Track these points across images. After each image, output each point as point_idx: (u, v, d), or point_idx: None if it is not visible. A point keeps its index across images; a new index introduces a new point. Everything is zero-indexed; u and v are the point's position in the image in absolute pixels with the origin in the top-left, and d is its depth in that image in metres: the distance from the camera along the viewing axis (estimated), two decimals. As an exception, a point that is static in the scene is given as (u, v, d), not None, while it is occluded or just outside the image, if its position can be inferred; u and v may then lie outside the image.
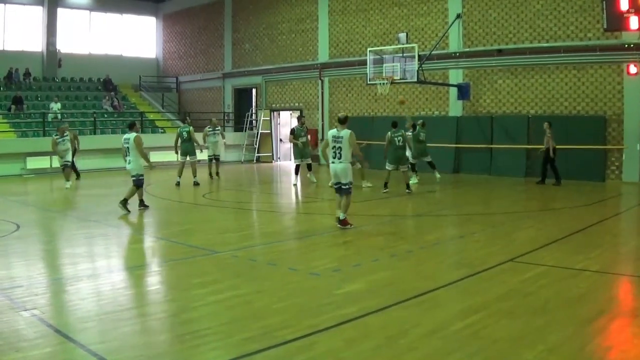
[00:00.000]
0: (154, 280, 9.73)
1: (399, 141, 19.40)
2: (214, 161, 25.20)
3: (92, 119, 33.13)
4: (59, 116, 32.67)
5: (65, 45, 39.89)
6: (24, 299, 8.22)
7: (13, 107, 32.57)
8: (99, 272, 10.18)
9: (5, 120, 31.43)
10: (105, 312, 7.66)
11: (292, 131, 22.65)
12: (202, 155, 24.59)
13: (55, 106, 33.16)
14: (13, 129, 30.99)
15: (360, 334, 6.73)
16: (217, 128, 25.43)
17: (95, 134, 31.97)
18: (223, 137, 26.00)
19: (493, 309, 7.57)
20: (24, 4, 38.04)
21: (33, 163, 28.54)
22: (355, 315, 7.31)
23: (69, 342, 6.53)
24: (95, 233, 13.75)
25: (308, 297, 8.21)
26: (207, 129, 25.27)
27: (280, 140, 36.08)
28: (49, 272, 10.29)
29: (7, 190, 20.56)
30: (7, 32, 37.54)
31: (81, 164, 28.63)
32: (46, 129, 30.84)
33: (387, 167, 19.76)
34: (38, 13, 38.70)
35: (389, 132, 19.55)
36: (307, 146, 22.76)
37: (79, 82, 39.16)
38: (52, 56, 39.06)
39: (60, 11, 39.48)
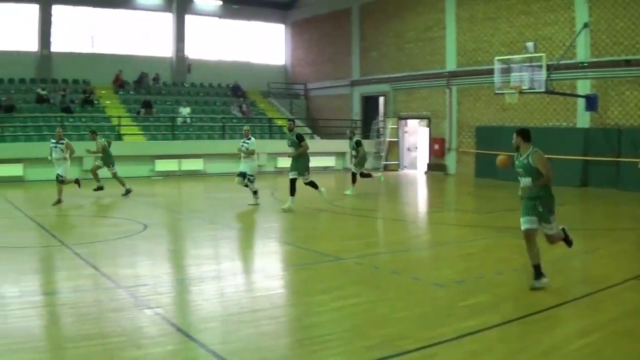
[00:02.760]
0: (278, 284, 9.76)
1: None
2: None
3: (221, 124, 33.88)
4: (188, 120, 33.59)
5: (195, 51, 41.13)
6: (148, 298, 8.42)
7: (142, 110, 33.72)
8: (223, 274, 10.32)
9: (135, 123, 32.60)
10: (227, 314, 7.73)
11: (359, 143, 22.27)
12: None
13: (185, 110, 34.16)
14: (142, 132, 32.09)
15: (480, 348, 6.53)
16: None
17: (224, 138, 32.66)
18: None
19: (614, 328, 7.17)
20: (153, 11, 39.50)
21: (161, 165, 29.49)
22: (477, 328, 7.08)
23: (191, 342, 6.62)
24: (221, 235, 13.99)
25: (430, 307, 8.02)
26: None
27: (408, 149, 35.83)
28: (173, 272, 10.53)
29: (136, 192, 21.20)
30: (137, 38, 39.01)
31: (211, 167, 29.35)
32: (175, 132, 31.81)
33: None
34: (168, 19, 40.10)
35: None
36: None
37: (208, 88, 40.24)
38: (181, 62, 40.32)
39: (190, 18, 40.76)
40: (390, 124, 35.54)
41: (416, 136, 35.89)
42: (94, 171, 21.57)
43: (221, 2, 40.53)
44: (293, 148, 17.51)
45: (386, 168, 35.24)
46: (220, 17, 41.91)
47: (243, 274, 10.39)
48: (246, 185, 18.42)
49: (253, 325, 7.29)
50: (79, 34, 37.29)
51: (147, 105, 34.10)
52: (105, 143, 21.44)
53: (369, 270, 10.41)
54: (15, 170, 26.06)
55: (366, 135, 37.32)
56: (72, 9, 36.80)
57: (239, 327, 7.15)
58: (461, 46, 31.64)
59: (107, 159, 21.41)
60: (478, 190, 25.24)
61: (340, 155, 35.38)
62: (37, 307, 8.04)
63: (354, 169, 22.30)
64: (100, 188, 21.03)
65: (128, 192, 21.03)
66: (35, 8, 35.53)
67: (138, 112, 33.69)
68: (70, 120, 30.96)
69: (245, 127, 19.23)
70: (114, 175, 21.46)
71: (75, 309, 7.82)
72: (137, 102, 34.80)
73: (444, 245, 12.83)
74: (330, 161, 34.37)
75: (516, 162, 9.24)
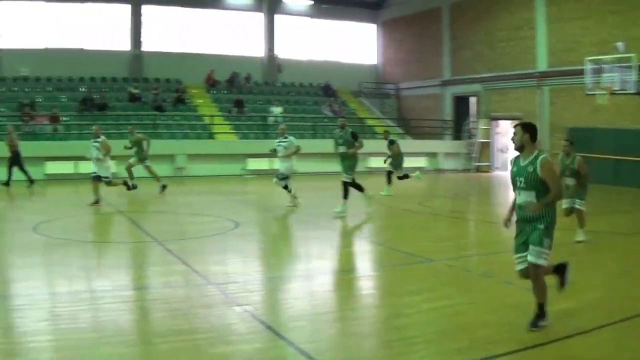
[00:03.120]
0: (368, 284, 9.69)
1: None
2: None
3: (312, 124, 34.02)
4: (279, 119, 33.84)
5: (285, 51, 41.46)
6: (238, 295, 8.46)
7: (234, 109, 34.13)
8: (313, 273, 10.31)
9: (227, 122, 33.04)
10: (316, 313, 7.69)
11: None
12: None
13: (276, 110, 34.46)
14: (235, 131, 32.50)
15: (564, 356, 6.33)
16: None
17: (315, 138, 32.79)
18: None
19: None
20: (245, 10, 39.98)
21: (253, 164, 29.83)
22: (565, 334, 6.85)
23: (279, 339, 6.60)
24: (311, 234, 13.99)
25: (520, 312, 7.76)
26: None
27: (500, 150, 35.24)
28: (264, 270, 10.59)
29: (228, 190, 21.50)
30: (228, 37, 39.56)
31: (302, 166, 29.40)
32: (266, 131, 32.11)
33: None
34: (259, 19, 40.52)
35: None
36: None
37: (299, 87, 40.52)
38: (272, 61, 40.69)
39: (281, 18, 41.12)
40: (482, 125, 35.04)
41: (508, 137, 35.24)
42: (128, 169, 21.54)
43: (311, 2, 40.76)
44: (345, 147, 16.57)
45: (478, 169, 34.78)
46: (310, 16, 42.12)
47: (333, 274, 10.32)
48: (285, 187, 17.92)
49: (342, 324, 7.24)
50: (170, 33, 38.10)
51: (239, 104, 34.52)
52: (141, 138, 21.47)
53: (459, 272, 10.22)
54: (107, 166, 26.52)
55: (457, 136, 36.93)
56: (163, 9, 37.65)
57: (327, 326, 7.11)
58: (552, 46, 30.93)
59: (141, 155, 21.41)
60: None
61: (432, 155, 35.11)
62: (128, 301, 8.19)
63: (390, 169, 21.85)
64: (133, 187, 20.59)
65: (164, 188, 20.83)
66: (127, 8, 36.51)
67: (230, 111, 34.12)
68: (163, 118, 31.60)
69: (281, 126, 18.91)
70: (149, 170, 21.47)
71: (165, 305, 7.92)
72: (229, 101, 35.28)
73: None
74: (421, 162, 34.04)
75: (514, 169, 7.23)
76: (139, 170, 21.55)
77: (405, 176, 22.33)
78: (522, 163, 7.09)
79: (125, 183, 19.74)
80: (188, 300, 8.20)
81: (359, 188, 16.63)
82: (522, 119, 32.06)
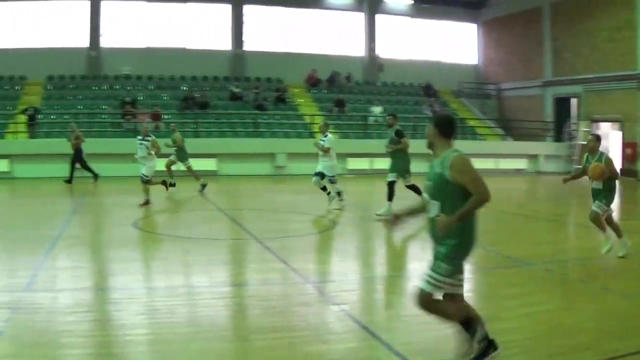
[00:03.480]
0: (465, 287, 9.38)
1: None
2: None
3: (413, 124, 33.83)
4: (380, 119, 33.74)
5: (386, 50, 41.27)
6: (335, 294, 8.51)
7: (335, 109, 34.22)
8: (411, 273, 10.18)
9: (328, 122, 33.06)
10: (412, 314, 7.52)
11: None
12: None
13: (376, 110, 34.38)
14: (335, 130, 32.49)
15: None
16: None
17: (415, 138, 32.54)
18: None
19: None
20: (345, 10, 40.01)
21: (353, 164, 29.89)
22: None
23: (374, 340, 6.57)
24: (410, 235, 13.84)
25: (616, 319, 7.51)
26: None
27: (601, 153, 34.18)
28: (361, 270, 10.56)
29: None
30: (329, 37, 39.69)
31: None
32: (367, 131, 32.08)
33: None
34: (359, 19, 40.53)
35: None
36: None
37: (400, 87, 40.29)
38: (373, 61, 40.62)
39: (382, 17, 40.97)
40: (583, 127, 34.08)
41: (608, 140, 34.21)
42: (168, 167, 21.50)
43: (412, 1, 40.49)
44: (391, 146, 15.78)
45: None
46: (410, 16, 41.83)
47: (431, 275, 10.19)
48: (324, 188, 17.33)
49: (437, 327, 7.12)
50: (271, 33, 38.47)
51: (340, 104, 34.61)
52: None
53: (557, 277, 9.96)
54: (209, 164, 27.20)
55: (558, 138, 36.05)
56: (264, 8, 38.07)
57: (423, 328, 7.02)
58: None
59: (182, 154, 21.46)
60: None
61: (533, 157, 34.37)
62: (225, 297, 8.33)
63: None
64: (172, 184, 20.27)
65: (204, 187, 20.70)
66: (227, 8, 37.15)
67: (330, 111, 34.24)
68: (264, 117, 31.99)
69: (322, 123, 18.36)
70: (189, 170, 21.45)
71: (262, 302, 8.00)
72: (329, 100, 35.41)
73: (638, 255, 11.99)
74: (521, 163, 33.38)
75: (428, 173, 5.89)
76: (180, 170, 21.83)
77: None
78: (433, 165, 5.79)
79: (164, 182, 19.32)
80: (285, 298, 8.28)
81: (417, 191, 15.31)
82: (622, 121, 31.17)
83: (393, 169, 15.69)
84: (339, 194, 17.08)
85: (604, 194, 10.95)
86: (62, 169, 24.09)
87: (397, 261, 11.15)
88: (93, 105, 31.52)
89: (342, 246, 12.46)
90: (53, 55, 33.07)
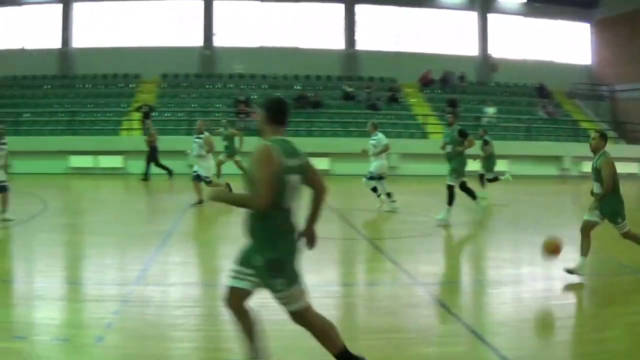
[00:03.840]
0: (575, 293, 9.35)
1: None
2: None
3: (527, 125, 33.27)
4: (493, 120, 33.35)
5: (500, 50, 40.70)
6: (445, 296, 8.58)
7: (449, 109, 33.93)
8: (522, 278, 10.16)
9: (440, 122, 32.79)
10: (521, 319, 7.59)
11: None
12: None
13: (490, 110, 33.98)
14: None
15: None
16: None
17: (529, 140, 32.07)
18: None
19: None
20: (457, 9, 39.74)
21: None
22: None
23: (482, 344, 6.60)
24: (522, 239, 13.64)
25: None
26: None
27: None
28: (472, 273, 10.60)
29: (442, 191, 21.43)
30: (442, 36, 39.45)
31: (516, 169, 28.63)
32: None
33: None
34: (472, 18, 40.08)
35: None
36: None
37: (514, 88, 39.59)
38: (486, 61, 40.14)
39: (494, 16, 40.41)
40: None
41: None
42: (219, 165, 20.66)
43: (524, 0, 39.85)
44: (451, 146, 14.89)
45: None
46: (523, 15, 41.09)
47: (542, 280, 10.06)
48: (374, 189, 16.91)
49: (545, 333, 7.15)
50: (383, 32, 38.58)
51: (453, 104, 34.30)
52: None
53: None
54: (322, 163, 27.55)
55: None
56: (376, 8, 38.20)
57: (531, 333, 7.05)
58: None
59: (231, 150, 21.11)
60: None
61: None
62: (334, 297, 8.51)
63: (481, 171, 20.28)
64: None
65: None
66: (340, 7, 37.52)
67: (443, 111, 34.02)
68: (378, 117, 32.03)
69: (370, 122, 17.93)
70: (237, 165, 20.86)
71: (370, 302, 8.17)
72: (442, 100, 35.12)
73: None
74: (634, 168, 32.28)
75: None
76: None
77: (495, 179, 20.87)
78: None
79: (227, 185, 17.24)
80: (394, 299, 8.38)
81: (472, 194, 15.15)
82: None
83: (452, 171, 14.90)
84: (388, 195, 16.71)
85: (609, 201, 9.77)
86: (174, 165, 24.67)
87: (507, 265, 11.05)
88: (207, 103, 32.49)
89: (452, 248, 12.47)
90: (167, 54, 34.38)
